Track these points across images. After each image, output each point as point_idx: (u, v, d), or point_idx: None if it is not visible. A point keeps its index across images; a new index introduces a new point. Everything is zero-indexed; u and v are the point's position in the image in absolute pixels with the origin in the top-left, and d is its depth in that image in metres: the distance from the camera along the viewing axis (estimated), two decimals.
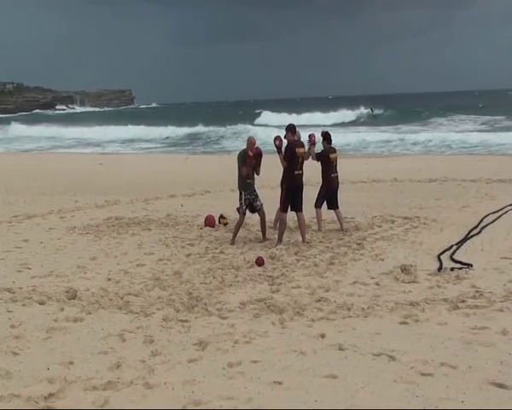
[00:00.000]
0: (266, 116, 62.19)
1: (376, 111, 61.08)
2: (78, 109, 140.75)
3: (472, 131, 36.85)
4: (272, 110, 66.89)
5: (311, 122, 51.63)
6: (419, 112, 59.80)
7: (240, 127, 44.69)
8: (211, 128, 46.28)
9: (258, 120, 59.55)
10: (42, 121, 67.63)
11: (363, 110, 61.55)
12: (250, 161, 9.35)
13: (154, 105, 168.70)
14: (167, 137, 44.13)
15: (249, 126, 45.54)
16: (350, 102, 78.32)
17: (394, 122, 48.63)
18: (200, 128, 47.01)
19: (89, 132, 48.22)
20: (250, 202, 9.61)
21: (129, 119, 65.16)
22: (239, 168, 9.50)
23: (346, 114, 58.92)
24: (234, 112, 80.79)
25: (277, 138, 9.47)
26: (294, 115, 57.25)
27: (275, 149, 9.46)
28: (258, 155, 9.46)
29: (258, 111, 69.07)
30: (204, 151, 34.48)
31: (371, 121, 52.98)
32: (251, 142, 9.54)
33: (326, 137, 10.39)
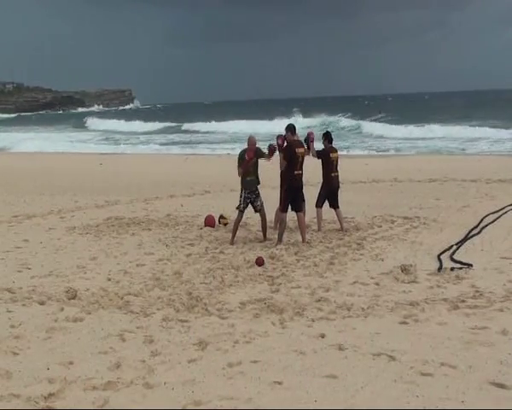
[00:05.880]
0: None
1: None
2: (80, 110, 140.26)
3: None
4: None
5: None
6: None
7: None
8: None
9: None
10: None
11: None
12: (245, 163, 9.36)
13: (132, 106, 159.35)
14: None
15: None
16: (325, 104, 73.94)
17: None
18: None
19: None
20: (250, 201, 9.60)
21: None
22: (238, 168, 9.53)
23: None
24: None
25: (280, 137, 9.44)
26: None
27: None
28: (255, 154, 9.39)
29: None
30: None
31: None
32: (251, 141, 9.53)
33: (327, 136, 10.40)
